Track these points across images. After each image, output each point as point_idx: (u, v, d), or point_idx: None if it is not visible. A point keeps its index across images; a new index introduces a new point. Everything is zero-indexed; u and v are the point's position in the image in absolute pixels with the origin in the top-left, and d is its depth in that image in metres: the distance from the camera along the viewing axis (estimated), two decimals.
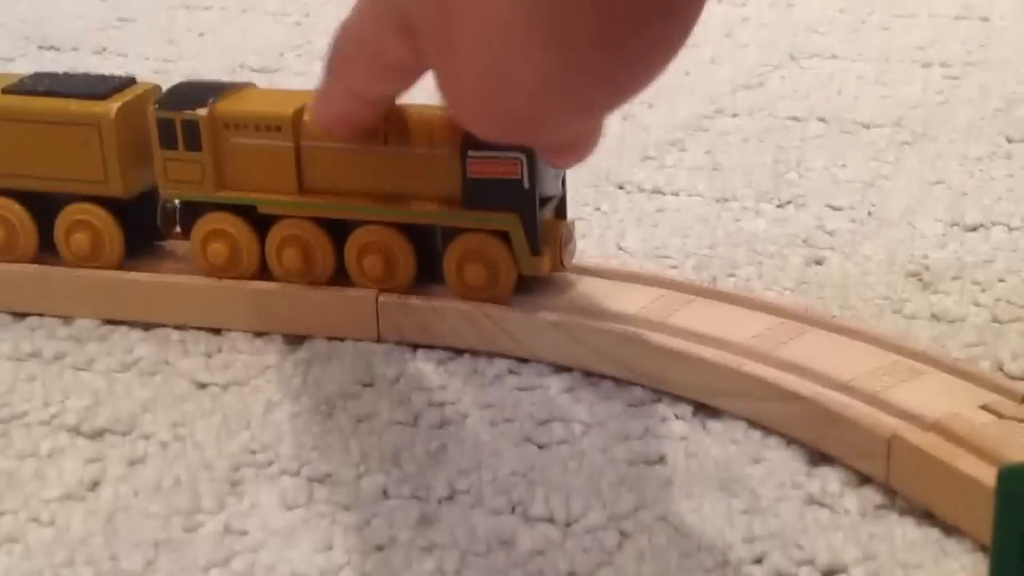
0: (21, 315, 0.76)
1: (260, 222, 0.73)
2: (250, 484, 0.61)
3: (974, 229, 0.84)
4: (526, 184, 0.68)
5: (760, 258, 0.81)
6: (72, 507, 0.59)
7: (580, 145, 0.64)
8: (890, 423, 0.60)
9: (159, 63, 1.19)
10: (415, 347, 0.72)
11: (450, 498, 0.60)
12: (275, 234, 0.73)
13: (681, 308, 0.70)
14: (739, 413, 0.65)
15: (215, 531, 0.58)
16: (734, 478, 0.61)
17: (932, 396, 0.61)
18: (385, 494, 0.60)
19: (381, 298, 0.73)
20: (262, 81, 0.93)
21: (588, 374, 0.69)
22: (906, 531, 0.57)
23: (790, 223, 0.86)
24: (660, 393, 0.67)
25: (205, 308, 0.74)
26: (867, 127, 1.01)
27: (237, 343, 0.73)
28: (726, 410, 0.66)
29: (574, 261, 0.73)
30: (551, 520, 0.58)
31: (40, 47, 1.25)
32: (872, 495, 0.59)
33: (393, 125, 0.70)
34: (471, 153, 0.68)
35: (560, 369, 0.70)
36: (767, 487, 0.60)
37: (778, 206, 0.88)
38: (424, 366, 0.71)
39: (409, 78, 0.62)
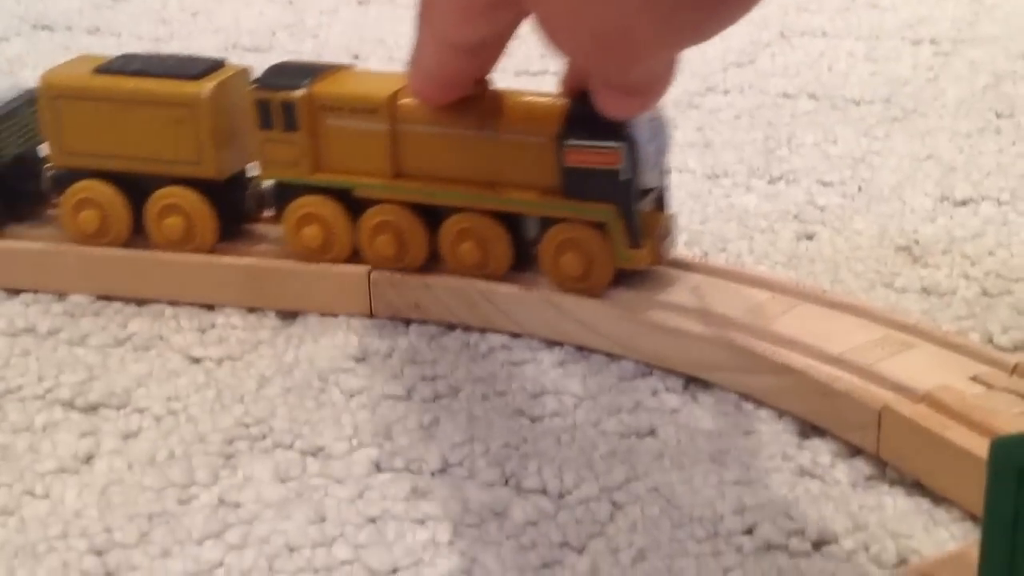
0: (15, 291, 0.76)
1: (354, 206, 0.72)
2: (244, 457, 0.61)
3: (964, 203, 0.85)
4: (625, 175, 0.66)
5: (751, 233, 0.81)
6: (66, 480, 0.59)
7: (654, 86, 0.59)
8: (880, 395, 0.60)
9: (152, 43, 1.19)
10: (407, 322, 0.73)
11: (443, 471, 0.60)
12: (368, 219, 0.72)
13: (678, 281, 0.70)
14: (730, 386, 0.66)
15: (209, 504, 0.58)
16: (725, 450, 0.61)
17: (922, 368, 0.61)
18: (378, 467, 0.60)
19: (373, 274, 0.73)
20: (253, 61, 0.93)
21: (580, 348, 0.70)
22: (896, 501, 0.57)
23: (781, 199, 0.86)
24: (651, 367, 0.68)
25: (199, 284, 0.75)
26: (857, 104, 1.02)
27: (231, 318, 0.73)
28: (717, 383, 0.66)
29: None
30: (544, 492, 0.58)
31: (34, 26, 1.25)
32: (862, 466, 0.59)
33: (490, 110, 0.69)
34: (568, 142, 0.66)
35: (552, 343, 0.70)
36: (758, 459, 0.60)
37: (769, 182, 0.89)
38: (416, 341, 0.71)
39: (499, 14, 0.59)
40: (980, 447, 0.55)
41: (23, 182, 0.78)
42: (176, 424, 0.64)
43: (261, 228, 0.78)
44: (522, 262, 0.71)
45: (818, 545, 0.55)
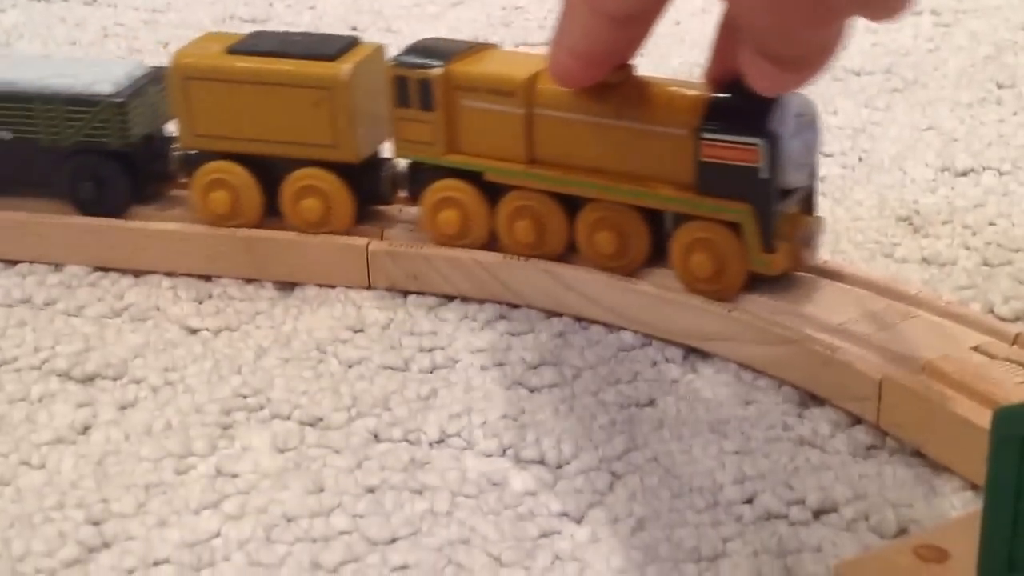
0: (12, 262, 0.76)
1: (491, 191, 0.70)
2: (241, 428, 0.61)
3: (964, 174, 0.84)
4: (764, 173, 0.62)
5: None
6: (63, 451, 0.59)
7: (814, 60, 0.54)
8: (881, 365, 0.60)
9: (148, 13, 1.18)
10: (406, 294, 0.72)
11: (441, 441, 0.60)
12: (507, 204, 0.70)
13: None
14: (730, 357, 0.65)
15: (206, 474, 0.58)
16: (725, 420, 0.61)
17: (923, 339, 0.61)
18: (376, 438, 0.60)
19: (371, 246, 0.72)
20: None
21: (579, 319, 0.69)
22: (896, 471, 0.57)
23: None
24: (650, 337, 0.67)
25: (196, 255, 0.74)
26: (858, 74, 1.01)
27: (228, 289, 0.73)
28: (717, 354, 0.66)
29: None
30: (542, 462, 0.58)
31: None
32: (862, 436, 0.59)
33: (628, 98, 0.66)
34: (706, 135, 0.63)
35: (551, 314, 0.70)
36: (758, 429, 0.60)
37: None
38: (415, 312, 0.71)
39: None
40: (981, 417, 0.54)
41: (150, 162, 0.76)
42: (173, 395, 0.63)
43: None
44: (660, 255, 0.68)
45: (818, 514, 0.54)
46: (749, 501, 0.55)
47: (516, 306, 0.70)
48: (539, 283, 0.70)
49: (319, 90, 0.71)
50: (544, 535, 0.53)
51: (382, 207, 0.75)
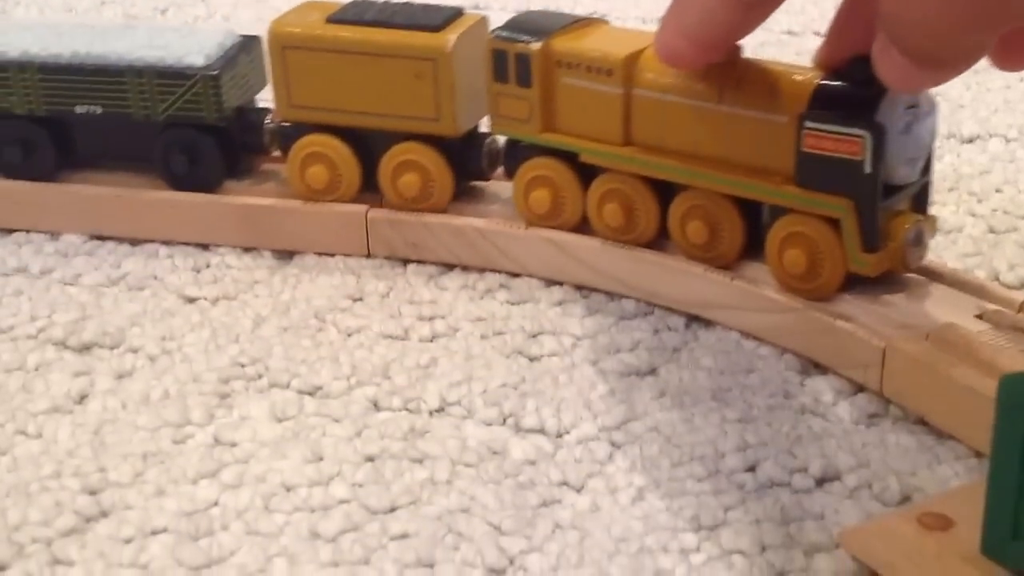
0: (8, 231, 0.75)
1: (586, 172, 0.68)
2: (239, 397, 0.61)
3: (971, 141, 0.83)
4: (867, 167, 0.58)
5: None
6: (60, 420, 0.59)
7: (958, 62, 0.50)
8: (884, 333, 0.59)
9: None
10: (405, 262, 0.72)
11: (441, 410, 0.59)
12: (599, 186, 0.67)
13: None
14: (731, 324, 0.65)
15: (204, 443, 0.57)
16: (726, 388, 0.60)
17: (928, 306, 0.61)
18: (376, 406, 0.60)
19: (370, 214, 0.72)
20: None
21: (579, 287, 0.69)
22: (899, 439, 0.56)
23: None
24: (652, 306, 0.67)
25: (194, 224, 0.74)
26: None
27: (226, 258, 0.72)
28: (718, 322, 0.65)
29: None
30: (542, 431, 0.58)
31: None
32: (865, 404, 0.59)
33: (731, 81, 0.62)
34: (809, 124, 0.59)
35: (551, 283, 0.69)
36: (760, 397, 0.60)
37: None
38: (414, 280, 0.70)
39: None
40: (986, 385, 0.54)
41: (243, 136, 0.74)
42: (171, 363, 0.63)
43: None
44: (756, 249, 0.64)
45: (821, 482, 0.54)
46: (751, 469, 0.55)
47: (516, 275, 0.70)
48: (540, 252, 0.69)
49: (422, 61, 0.69)
50: (544, 504, 0.53)
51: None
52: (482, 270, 0.71)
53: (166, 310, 0.68)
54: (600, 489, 0.54)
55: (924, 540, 0.46)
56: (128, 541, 0.51)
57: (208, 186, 0.74)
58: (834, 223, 0.60)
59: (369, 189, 0.72)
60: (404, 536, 0.51)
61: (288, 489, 0.54)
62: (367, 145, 0.71)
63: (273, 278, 0.71)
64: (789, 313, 0.62)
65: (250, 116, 0.74)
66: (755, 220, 0.64)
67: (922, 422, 0.57)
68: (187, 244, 0.74)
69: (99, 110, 0.74)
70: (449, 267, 0.71)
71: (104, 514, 0.53)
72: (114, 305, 0.68)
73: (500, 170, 0.72)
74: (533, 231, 0.69)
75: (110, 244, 0.74)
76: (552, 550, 0.50)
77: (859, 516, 0.52)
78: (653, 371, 0.62)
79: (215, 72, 0.72)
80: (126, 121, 0.74)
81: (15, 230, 0.75)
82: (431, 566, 0.49)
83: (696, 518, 0.52)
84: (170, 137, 0.74)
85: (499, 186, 0.73)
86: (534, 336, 0.65)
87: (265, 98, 0.76)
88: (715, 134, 0.63)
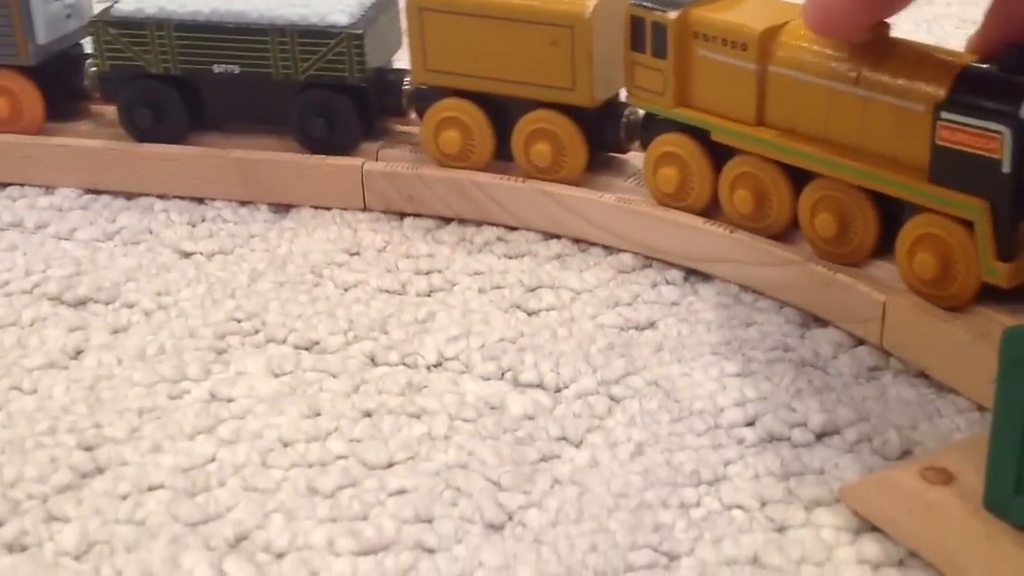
0: (2, 185, 0.75)
1: (718, 152, 0.64)
2: (236, 352, 0.60)
3: None
4: (1005, 167, 0.53)
5: None
6: (55, 375, 0.58)
7: None
8: (885, 286, 0.59)
9: None
10: (402, 216, 0.71)
11: (439, 365, 0.59)
12: (731, 169, 0.64)
13: None
14: (731, 278, 0.64)
15: (200, 399, 0.57)
16: (726, 342, 0.60)
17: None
18: (373, 361, 0.59)
19: (366, 167, 0.71)
20: None
21: (577, 241, 0.68)
22: (900, 392, 0.56)
23: None
24: (650, 259, 0.67)
25: (189, 177, 0.73)
26: None
27: (222, 212, 0.72)
28: (717, 275, 0.65)
29: None
30: (541, 386, 0.57)
31: None
32: (866, 357, 0.58)
33: (870, 63, 0.58)
34: (944, 115, 0.55)
35: (549, 236, 0.69)
36: (759, 351, 0.59)
37: None
38: (411, 234, 0.70)
39: None
40: (987, 338, 0.54)
41: (381, 97, 0.74)
42: (166, 319, 0.63)
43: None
44: (889, 248, 0.59)
45: (821, 437, 0.54)
46: (751, 424, 0.54)
47: (514, 228, 0.69)
48: (537, 205, 0.69)
49: (559, 28, 0.67)
50: (543, 459, 0.53)
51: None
52: (479, 223, 0.70)
53: (162, 265, 0.67)
54: (599, 444, 0.53)
55: (926, 494, 0.46)
56: (124, 497, 0.51)
57: (345, 149, 0.73)
58: (970, 226, 0.55)
59: (503, 157, 0.71)
60: (402, 492, 0.51)
61: (285, 445, 0.54)
62: (503, 112, 0.70)
63: (269, 232, 0.70)
64: (789, 267, 0.62)
65: (389, 77, 0.73)
66: (892, 217, 0.59)
67: (923, 375, 0.57)
68: (182, 198, 0.73)
69: (237, 70, 0.73)
70: (446, 221, 0.71)
71: (100, 470, 0.52)
72: (109, 260, 0.68)
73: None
74: (530, 183, 0.69)
75: (105, 198, 0.73)
76: (551, 505, 0.50)
77: (860, 470, 0.51)
78: (652, 325, 0.62)
79: (359, 31, 0.71)
80: (263, 82, 0.73)
81: (9, 184, 0.75)
82: (429, 521, 0.49)
83: (696, 473, 0.51)
84: (307, 99, 0.72)
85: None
86: (532, 290, 0.64)
87: (400, 59, 0.75)
88: (850, 119, 0.59)
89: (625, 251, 0.67)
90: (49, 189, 0.74)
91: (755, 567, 0.47)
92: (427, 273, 0.66)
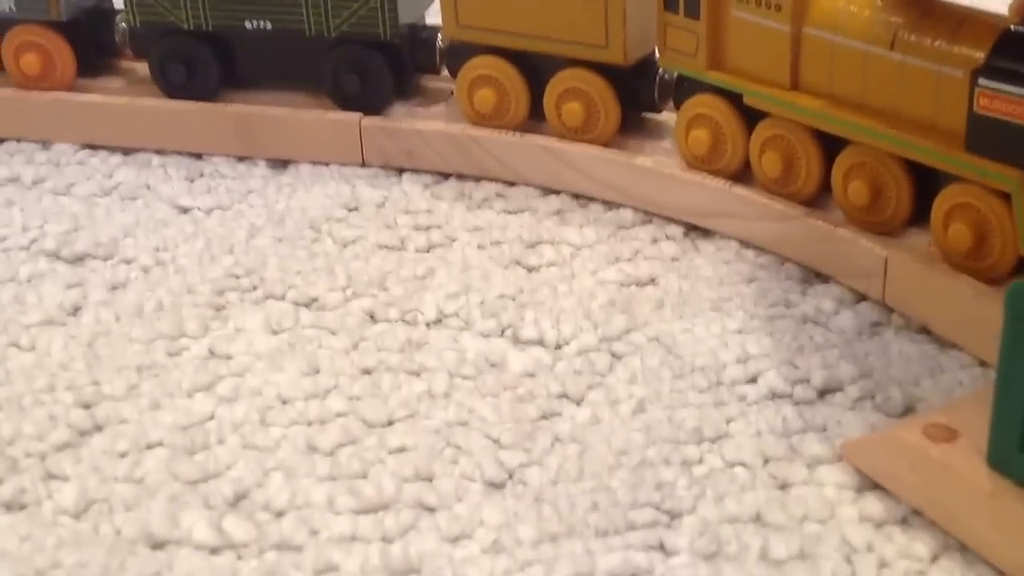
0: None
1: (751, 115, 0.63)
2: (234, 308, 0.60)
3: None
4: None
5: None
6: (53, 332, 0.58)
7: None
8: (886, 240, 0.58)
9: None
10: (400, 171, 0.71)
11: (438, 322, 0.59)
12: (761, 132, 0.62)
13: None
14: (731, 234, 0.64)
15: (199, 355, 0.56)
16: (727, 298, 0.60)
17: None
18: (372, 318, 0.59)
19: (364, 121, 0.71)
20: None
21: (576, 196, 0.68)
22: (902, 348, 0.56)
23: None
24: (650, 215, 0.66)
25: (186, 132, 0.72)
26: None
27: (220, 167, 0.72)
28: (718, 231, 0.64)
29: None
30: (541, 343, 0.57)
31: None
32: (868, 313, 0.58)
33: (907, 25, 0.56)
34: (983, 82, 0.52)
35: (548, 192, 0.68)
36: (761, 307, 0.59)
37: None
38: (410, 189, 0.69)
39: None
40: (989, 291, 0.53)
41: (415, 54, 0.73)
42: (164, 275, 0.62)
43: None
44: (926, 215, 0.57)
45: (823, 393, 0.53)
46: (753, 380, 0.54)
47: (512, 184, 0.69)
48: (536, 160, 0.68)
49: None
50: (544, 417, 0.52)
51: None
52: (478, 179, 0.70)
53: (159, 220, 0.67)
54: (600, 401, 0.53)
55: (929, 451, 0.46)
56: (123, 455, 0.50)
57: (378, 106, 0.72)
58: (1008, 198, 0.53)
59: (538, 116, 0.70)
60: (402, 450, 0.50)
61: (284, 402, 0.53)
62: (537, 70, 0.69)
63: (267, 188, 0.70)
64: (790, 221, 0.61)
65: (422, 34, 0.73)
66: (927, 185, 0.57)
67: (925, 331, 0.57)
68: (180, 153, 0.73)
69: (269, 26, 0.72)
70: (445, 176, 0.70)
71: (98, 428, 0.52)
72: (107, 215, 0.67)
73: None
74: (528, 137, 0.68)
75: (102, 153, 0.73)
76: (552, 463, 0.49)
77: (862, 427, 0.51)
78: (653, 281, 0.61)
79: None
80: (295, 38, 0.72)
81: (5, 139, 0.74)
82: (429, 480, 0.49)
83: (698, 430, 0.51)
84: (340, 55, 0.71)
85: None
86: (532, 246, 0.64)
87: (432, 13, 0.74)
88: (886, 84, 0.57)
89: (625, 206, 0.67)
90: (46, 144, 0.73)
91: (757, 525, 0.47)
92: (426, 229, 0.66)
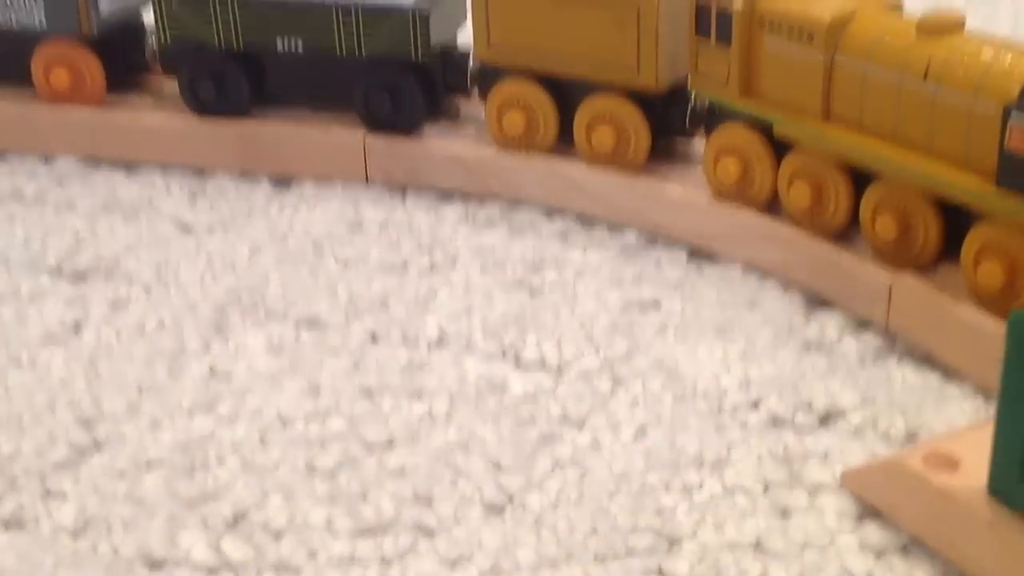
0: (0, 153, 0.74)
1: (781, 146, 0.62)
2: (236, 327, 0.60)
3: None
4: None
5: None
6: (53, 350, 0.58)
7: None
8: (892, 267, 0.58)
9: None
10: (404, 190, 0.71)
11: (440, 343, 0.59)
12: (790, 161, 0.61)
13: None
14: (735, 258, 0.64)
15: (200, 374, 0.56)
16: (730, 323, 0.60)
17: None
18: (374, 338, 0.59)
19: (368, 139, 0.71)
20: None
21: (581, 218, 0.68)
22: (905, 376, 0.56)
23: None
24: (655, 237, 0.66)
25: (189, 148, 0.72)
26: None
27: (222, 184, 0.71)
28: (722, 255, 0.64)
29: None
30: (543, 365, 0.57)
31: None
32: (871, 340, 0.58)
33: (942, 58, 0.55)
34: (1016, 115, 0.51)
35: (552, 213, 0.68)
36: (764, 332, 0.59)
37: None
38: (413, 210, 0.69)
39: None
40: (992, 322, 0.53)
41: (446, 75, 0.72)
42: (166, 293, 0.62)
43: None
44: (956, 252, 0.56)
45: (825, 420, 0.53)
46: (755, 406, 0.54)
47: (517, 204, 0.69)
48: (541, 181, 0.68)
49: (625, 8, 0.65)
50: (544, 440, 0.52)
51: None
52: (482, 199, 0.70)
53: (161, 237, 0.67)
54: (601, 425, 0.53)
55: (930, 480, 0.45)
56: (122, 474, 0.50)
57: (409, 128, 0.71)
58: None
59: (567, 140, 0.69)
60: (402, 471, 0.50)
61: (284, 422, 0.53)
62: (567, 94, 0.68)
63: (270, 206, 0.70)
64: (795, 246, 0.61)
65: (454, 56, 0.72)
66: (959, 221, 0.56)
67: (929, 359, 0.56)
68: (183, 169, 0.73)
69: (300, 46, 0.72)
70: (449, 196, 0.70)
71: (98, 446, 0.52)
72: (109, 232, 0.67)
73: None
74: (532, 158, 0.68)
75: (104, 170, 0.73)
76: (552, 487, 0.49)
77: (863, 455, 0.51)
78: (656, 304, 0.61)
79: (425, 9, 0.70)
80: (326, 59, 0.72)
81: (8, 152, 0.74)
82: (429, 502, 0.49)
83: (699, 455, 0.51)
84: (371, 77, 0.71)
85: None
86: (535, 267, 0.64)
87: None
88: (917, 117, 0.56)
89: (629, 228, 0.66)
90: (48, 159, 0.73)
91: (757, 551, 0.46)
92: (429, 249, 0.65)
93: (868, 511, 0.48)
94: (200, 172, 0.72)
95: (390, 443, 0.52)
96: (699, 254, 0.65)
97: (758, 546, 0.47)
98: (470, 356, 0.58)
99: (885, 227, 0.58)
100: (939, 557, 0.46)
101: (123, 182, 0.72)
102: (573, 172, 0.68)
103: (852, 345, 0.58)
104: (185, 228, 0.68)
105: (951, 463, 0.46)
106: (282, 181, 0.72)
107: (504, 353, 0.58)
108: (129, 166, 0.73)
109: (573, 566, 0.46)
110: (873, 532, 0.47)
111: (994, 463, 0.44)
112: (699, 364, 0.57)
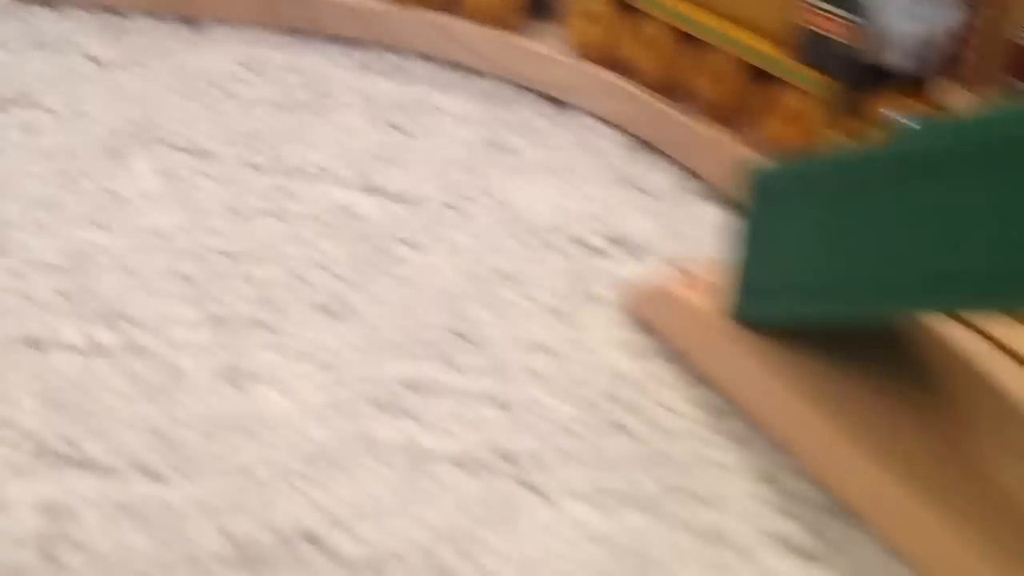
0: None
1: (633, 9, 0.68)
2: (131, 154, 0.66)
3: None
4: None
5: None
6: None
7: None
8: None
9: None
10: (294, 33, 0.76)
11: (308, 172, 0.65)
12: (641, 27, 0.68)
13: None
14: (586, 108, 0.70)
15: (92, 191, 0.63)
16: (566, 164, 0.67)
17: None
18: (253, 167, 0.65)
19: None
20: None
21: (456, 67, 0.74)
22: (707, 212, 0.63)
23: None
24: (519, 87, 0.73)
25: None
26: None
27: (138, 24, 0.77)
28: (576, 105, 0.71)
29: None
30: (399, 198, 0.64)
31: None
32: (689, 185, 0.65)
33: None
34: None
35: (431, 62, 0.75)
36: (592, 173, 0.66)
37: None
38: (309, 54, 0.75)
39: None
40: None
41: None
42: (72, 122, 0.68)
43: None
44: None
45: (632, 250, 0.61)
46: (571, 236, 0.61)
47: (403, 53, 0.75)
48: (423, 32, 0.74)
49: None
50: (385, 259, 0.60)
51: None
52: (372, 48, 0.75)
53: (72, 71, 0.72)
54: (435, 248, 0.61)
55: (682, 298, 0.53)
56: (13, 272, 0.57)
57: None
58: None
59: None
60: (254, 278, 0.58)
61: (160, 236, 0.60)
62: None
63: (176, 45, 0.75)
64: (636, 100, 0.68)
65: None
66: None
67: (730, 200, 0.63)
68: (96, 6, 0.77)
69: None
70: (344, 43, 0.76)
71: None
72: (22, 64, 0.73)
73: None
74: (420, 12, 0.74)
75: (35, 7, 0.78)
76: (386, 298, 0.57)
77: (649, 278, 0.58)
78: (509, 147, 0.68)
79: None
80: None
81: None
82: (276, 305, 0.56)
83: (509, 272, 0.59)
84: None
85: None
86: (405, 109, 0.70)
87: None
88: None
89: (500, 79, 0.73)
90: None
91: (539, 349, 0.55)
92: (315, 90, 0.72)
93: (641, 325, 0.56)
94: (114, 11, 0.77)
95: (248, 255, 0.59)
96: (556, 103, 0.72)
97: (540, 345, 0.55)
98: (335, 186, 0.65)
99: (705, 87, 0.65)
100: (687, 360, 0.54)
101: (41, 17, 0.77)
102: (453, 25, 0.74)
103: (665, 185, 0.65)
104: (98, 63, 0.74)
105: (703, 286, 0.53)
106: (192, 22, 0.78)
107: (364, 185, 0.65)
108: (51, 3, 0.78)
109: (387, 357, 0.54)
110: (639, 339, 0.55)
111: (731, 287, 0.52)
112: (530, 198, 0.64)
